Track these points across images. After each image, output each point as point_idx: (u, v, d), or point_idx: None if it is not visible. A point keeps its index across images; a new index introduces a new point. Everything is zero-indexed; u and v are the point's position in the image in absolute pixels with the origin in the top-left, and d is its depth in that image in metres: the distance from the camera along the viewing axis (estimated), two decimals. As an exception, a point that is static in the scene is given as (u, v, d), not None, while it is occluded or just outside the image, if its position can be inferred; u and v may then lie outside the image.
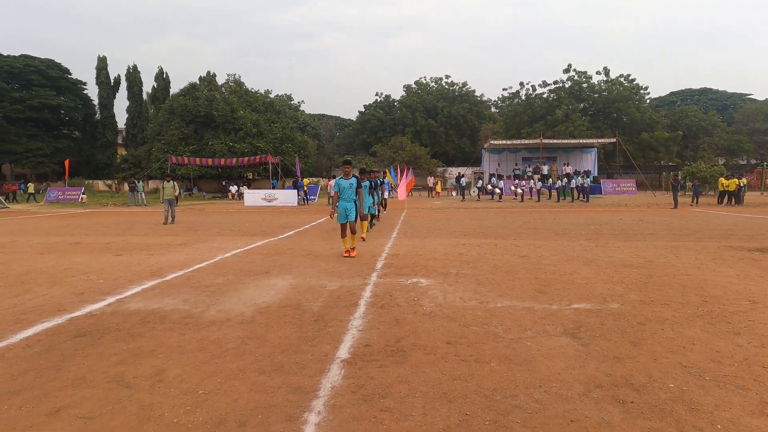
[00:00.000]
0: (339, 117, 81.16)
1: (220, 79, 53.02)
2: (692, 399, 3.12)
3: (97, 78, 55.59)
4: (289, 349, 4.07)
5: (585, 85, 47.33)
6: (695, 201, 24.44)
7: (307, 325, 4.72)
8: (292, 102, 69.64)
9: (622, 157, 40.54)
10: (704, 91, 69.61)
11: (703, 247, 9.52)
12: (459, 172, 40.15)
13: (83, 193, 32.34)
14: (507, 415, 2.92)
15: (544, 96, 49.10)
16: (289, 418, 2.91)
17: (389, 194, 32.50)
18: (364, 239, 10.51)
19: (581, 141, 37.01)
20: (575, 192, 28.78)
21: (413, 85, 65.04)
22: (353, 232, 8.79)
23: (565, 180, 30.18)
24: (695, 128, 48.77)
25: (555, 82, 48.60)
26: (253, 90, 53.11)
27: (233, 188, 38.49)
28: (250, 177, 50.79)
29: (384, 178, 15.43)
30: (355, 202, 8.83)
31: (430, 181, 38.32)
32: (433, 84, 64.56)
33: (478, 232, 12.48)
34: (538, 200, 28.53)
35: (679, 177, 27.72)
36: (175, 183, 16.81)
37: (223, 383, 3.39)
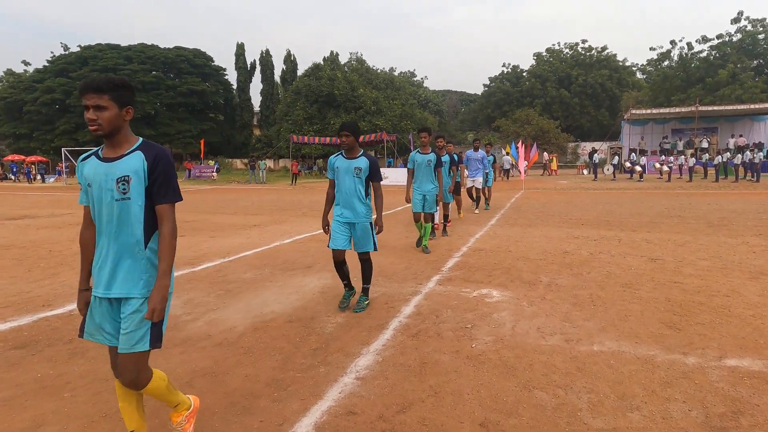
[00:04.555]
0: (464, 92, 78.19)
1: (343, 59, 53.70)
2: None
3: (236, 64, 59.84)
4: (236, 405, 2.74)
5: (761, 37, 38.43)
6: None
7: (297, 359, 3.36)
8: (415, 78, 68.44)
9: (814, 125, 32.21)
10: None
11: None
12: (593, 148, 35.48)
13: (215, 171, 34.87)
14: None
15: (703, 54, 41.05)
16: None
17: (503, 175, 29.70)
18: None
19: (752, 106, 30.00)
20: (741, 169, 23.29)
21: (544, 54, 59.32)
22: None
23: (728, 155, 24.62)
24: None
25: (718, 37, 40.27)
26: (374, 68, 52.89)
27: (348, 166, 38.63)
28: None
29: (472, 153, 11.14)
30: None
31: (545, 157, 34.46)
32: (567, 51, 58.20)
33: (601, 220, 9.97)
34: (690, 180, 23.66)
35: None
36: None
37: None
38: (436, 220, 8.43)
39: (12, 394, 2.89)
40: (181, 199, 2.13)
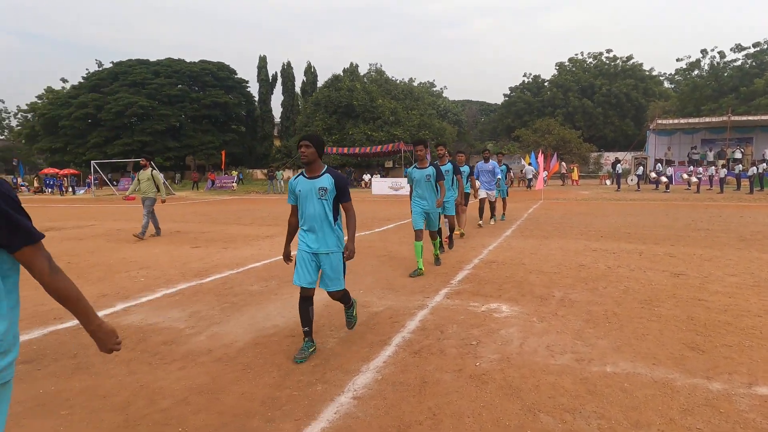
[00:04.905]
0: (484, 102, 77.66)
1: (363, 70, 54.16)
2: None
3: (258, 76, 60.98)
4: (228, 425, 2.66)
5: (802, 45, 37.24)
6: None
7: (296, 375, 3.25)
8: (434, 89, 68.52)
9: None
10: None
11: None
12: (616, 158, 34.78)
13: (235, 182, 35.41)
14: None
15: (738, 63, 39.95)
16: None
17: (526, 185, 29.28)
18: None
19: (790, 116, 28.98)
20: (777, 181, 22.41)
21: (566, 63, 58.76)
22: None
23: (764, 166, 23.74)
24: None
25: (755, 45, 39.13)
26: (394, 79, 53.22)
27: (366, 176, 38.96)
28: (390, 165, 51.07)
29: (483, 165, 10.74)
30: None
31: (563, 167, 33.90)
32: (590, 60, 57.54)
33: (622, 232, 9.64)
34: (721, 191, 22.87)
35: None
36: (154, 172, 10.11)
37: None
38: (446, 234, 8.17)
39: (10, 413, 2.84)
40: (42, 236, 1.51)
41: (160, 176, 10.14)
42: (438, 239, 6.73)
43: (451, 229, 7.92)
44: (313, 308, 3.69)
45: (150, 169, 10.08)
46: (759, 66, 37.72)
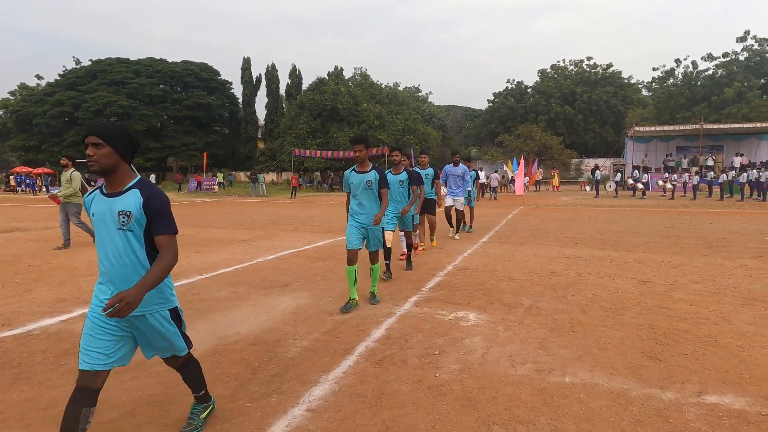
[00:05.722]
0: (469, 107, 78.18)
1: (348, 73, 54.08)
2: None
3: (242, 78, 60.45)
4: (173, 439, 2.57)
5: (769, 55, 38.43)
6: None
7: (252, 386, 3.18)
8: (420, 93, 68.81)
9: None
10: None
11: None
12: (596, 164, 35.31)
13: (216, 184, 35.02)
14: None
15: (709, 72, 41.01)
16: None
17: (491, 193, 29.47)
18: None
19: (759, 125, 29.82)
20: (747, 188, 22.98)
21: (549, 70, 59.56)
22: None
23: (732, 173, 24.33)
24: None
25: (724, 55, 40.24)
26: (378, 83, 53.30)
27: (350, 180, 38.90)
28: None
29: (452, 169, 9.78)
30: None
31: (541, 173, 34.41)
32: (572, 67, 58.40)
33: (596, 238, 9.75)
34: (694, 198, 23.37)
35: None
36: (74, 173, 8.81)
37: None
38: (417, 241, 7.96)
39: (-61, 423, 2.73)
40: None
41: (77, 176, 8.85)
42: (378, 264, 5.15)
43: (409, 248, 6.92)
44: (92, 412, 2.15)
45: (71, 170, 8.85)
46: (728, 75, 38.75)
